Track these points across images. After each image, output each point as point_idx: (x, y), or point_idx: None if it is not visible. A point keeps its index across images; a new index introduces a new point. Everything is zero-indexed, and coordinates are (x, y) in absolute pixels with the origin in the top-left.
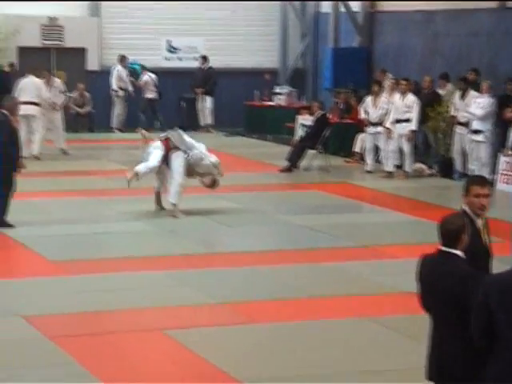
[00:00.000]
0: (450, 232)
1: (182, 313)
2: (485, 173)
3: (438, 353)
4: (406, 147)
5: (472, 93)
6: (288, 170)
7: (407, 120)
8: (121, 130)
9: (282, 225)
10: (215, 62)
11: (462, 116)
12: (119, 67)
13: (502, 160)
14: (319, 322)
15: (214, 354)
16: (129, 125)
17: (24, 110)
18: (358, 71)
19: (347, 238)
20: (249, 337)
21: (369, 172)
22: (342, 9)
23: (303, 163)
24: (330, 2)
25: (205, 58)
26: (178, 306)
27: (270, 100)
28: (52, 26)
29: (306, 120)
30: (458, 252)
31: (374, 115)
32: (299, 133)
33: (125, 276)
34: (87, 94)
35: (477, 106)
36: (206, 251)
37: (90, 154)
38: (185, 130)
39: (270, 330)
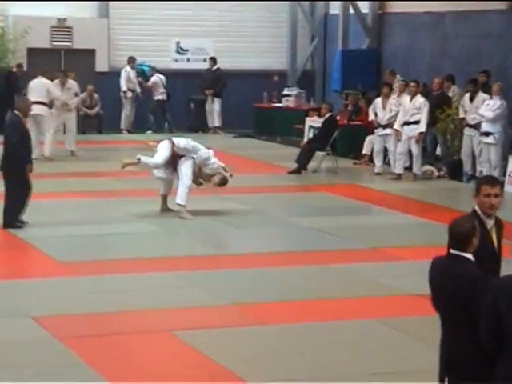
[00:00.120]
0: (459, 235)
1: (190, 314)
2: (495, 175)
3: (448, 354)
4: (415, 149)
5: (481, 95)
6: (297, 171)
7: (416, 122)
8: (129, 131)
9: (291, 226)
10: (224, 64)
11: (471, 118)
12: (128, 68)
13: None
14: (327, 324)
15: (221, 355)
16: (137, 126)
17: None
18: (366, 73)
19: (355, 239)
20: (257, 338)
21: (377, 174)
22: (351, 10)
23: (312, 165)
24: (339, 4)
25: (214, 60)
26: (186, 307)
27: (279, 102)
28: (61, 28)
29: (314, 122)
30: (468, 255)
31: (383, 117)
32: (308, 135)
33: (133, 277)
34: (96, 96)
35: (487, 108)
36: (214, 252)
37: (99, 155)
38: (193, 131)
39: (278, 331)
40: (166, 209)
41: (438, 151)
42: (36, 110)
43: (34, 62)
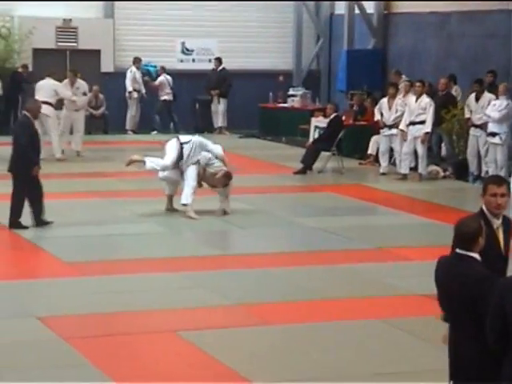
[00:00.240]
0: (466, 235)
1: (196, 314)
2: (501, 175)
3: (455, 354)
4: (421, 149)
5: (487, 95)
6: (302, 172)
7: (422, 122)
8: (134, 132)
9: (296, 227)
10: (229, 64)
11: (476, 118)
12: (134, 69)
13: None
14: (332, 324)
15: (227, 356)
16: (142, 126)
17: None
18: (372, 73)
19: (361, 240)
20: (262, 338)
21: (383, 174)
22: (357, 10)
23: (317, 165)
24: (345, 4)
25: (219, 60)
26: (191, 308)
27: (284, 102)
28: (66, 28)
29: (320, 122)
30: (475, 254)
31: (389, 117)
32: (313, 135)
33: (139, 277)
34: (101, 96)
35: (493, 108)
36: (219, 253)
37: (105, 155)
38: (199, 132)
39: (283, 331)
40: (171, 209)
41: (444, 151)
42: (41, 109)
43: (39, 63)
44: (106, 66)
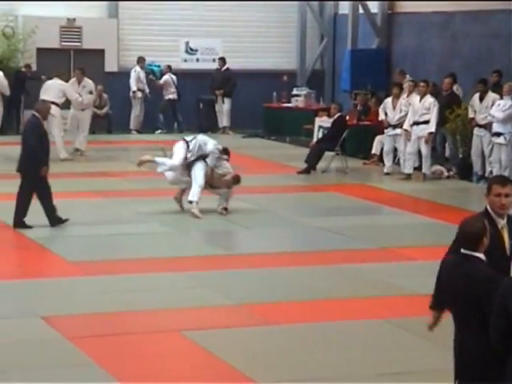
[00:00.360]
0: (470, 235)
1: (200, 314)
2: (505, 175)
3: (459, 354)
4: (424, 149)
5: (491, 95)
6: (306, 171)
7: (426, 122)
8: (138, 132)
9: (300, 226)
10: (233, 64)
11: (480, 118)
12: (138, 68)
13: None
14: (336, 324)
15: (230, 355)
16: (146, 126)
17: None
18: (376, 73)
19: (365, 239)
20: (266, 338)
21: (387, 174)
22: (361, 10)
23: (321, 165)
24: (349, 4)
25: (223, 60)
26: (195, 307)
27: (288, 102)
28: (70, 28)
29: (324, 122)
30: (479, 254)
31: (393, 117)
32: (317, 135)
33: (143, 277)
34: (105, 96)
35: (498, 108)
36: (223, 252)
37: (109, 155)
38: (203, 131)
39: (286, 331)
40: (179, 199)
41: (448, 151)
42: None
43: (43, 62)
44: (110, 65)
